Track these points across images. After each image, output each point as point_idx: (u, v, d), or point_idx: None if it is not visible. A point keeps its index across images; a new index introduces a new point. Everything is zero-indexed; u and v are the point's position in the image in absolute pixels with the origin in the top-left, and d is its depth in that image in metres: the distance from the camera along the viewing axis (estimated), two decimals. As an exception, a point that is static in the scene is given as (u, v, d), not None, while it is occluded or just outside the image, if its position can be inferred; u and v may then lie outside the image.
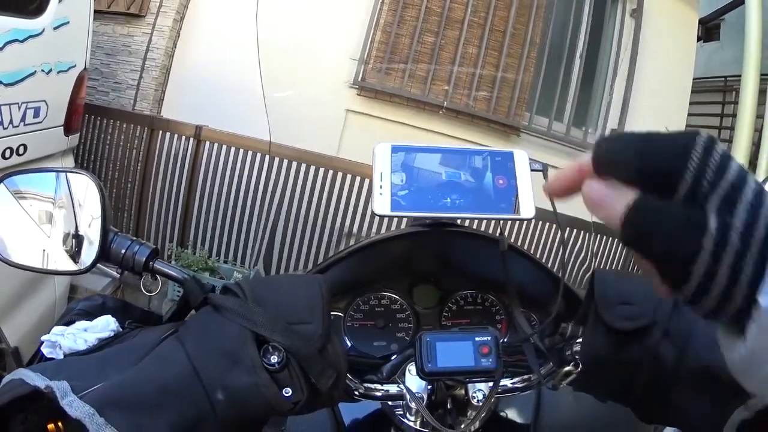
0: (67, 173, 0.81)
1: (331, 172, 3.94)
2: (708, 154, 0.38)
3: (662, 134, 0.42)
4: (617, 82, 5.27)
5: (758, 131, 4.42)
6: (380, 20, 4.77)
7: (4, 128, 2.35)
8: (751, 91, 4.39)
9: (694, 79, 5.55)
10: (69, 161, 2.94)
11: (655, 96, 5.35)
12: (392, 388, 0.91)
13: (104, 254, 0.78)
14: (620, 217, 0.41)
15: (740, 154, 4.36)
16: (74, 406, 0.54)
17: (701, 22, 6.33)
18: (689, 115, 5.59)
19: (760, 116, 4.42)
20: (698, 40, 5.99)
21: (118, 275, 3.41)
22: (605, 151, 0.44)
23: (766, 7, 4.44)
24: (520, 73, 4.89)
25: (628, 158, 0.41)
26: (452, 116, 4.81)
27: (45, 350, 0.72)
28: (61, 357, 0.70)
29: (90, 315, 0.76)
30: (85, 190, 0.79)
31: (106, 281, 3.48)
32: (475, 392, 0.86)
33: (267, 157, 3.94)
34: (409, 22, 4.77)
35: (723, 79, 6.66)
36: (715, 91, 6.80)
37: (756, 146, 4.41)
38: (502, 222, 0.91)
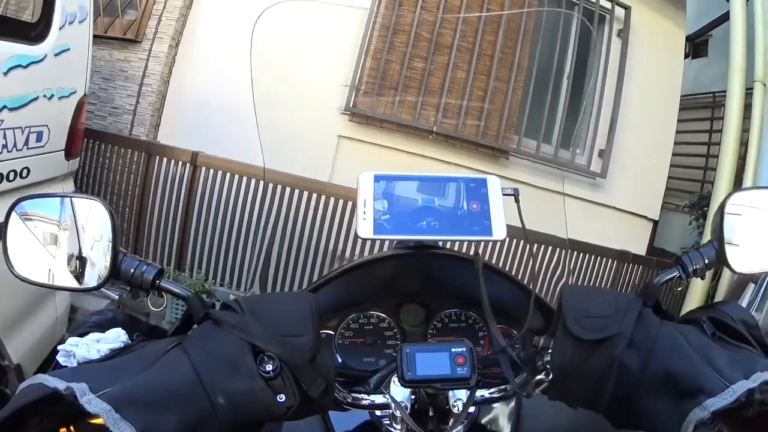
0: (79, 198, 0.87)
1: (323, 197, 4.00)
2: None
3: None
4: (605, 102, 5.32)
5: (744, 145, 4.45)
6: (371, 46, 4.83)
7: (9, 151, 2.38)
8: (736, 105, 4.42)
9: (682, 95, 5.58)
10: (69, 185, 2.97)
11: (643, 115, 5.40)
12: (378, 398, 0.97)
13: (115, 273, 0.84)
14: None
15: (726, 169, 4.35)
16: (93, 404, 0.61)
17: (689, 38, 6.34)
18: (678, 132, 5.60)
19: (745, 130, 4.45)
20: (686, 56, 6.01)
21: (117, 297, 3.46)
22: None
23: (751, 23, 4.46)
24: (509, 97, 4.95)
25: None
26: (442, 141, 4.87)
27: (60, 359, 0.77)
28: (75, 365, 0.76)
29: (102, 327, 0.81)
30: (93, 213, 0.85)
31: (105, 303, 3.52)
32: (455, 401, 0.93)
33: (261, 182, 3.99)
34: (398, 48, 4.83)
35: (711, 94, 6.67)
36: (704, 107, 6.80)
37: (742, 160, 4.43)
38: (477, 243, 0.98)
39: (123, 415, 0.61)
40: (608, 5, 5.41)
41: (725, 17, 5.18)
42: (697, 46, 7.41)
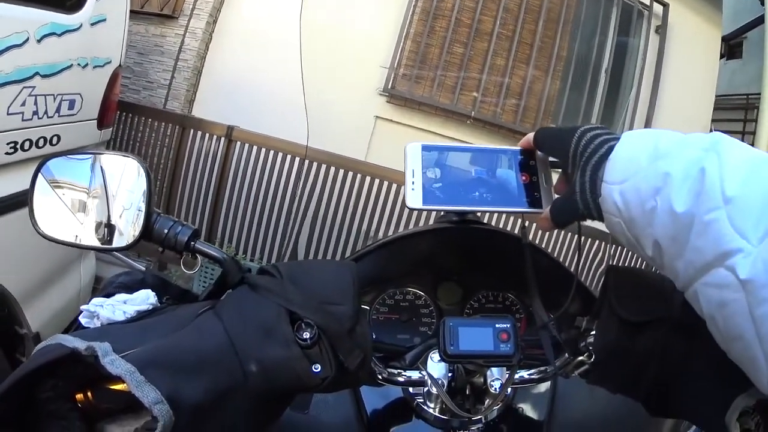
0: (111, 155, 0.84)
1: (359, 175, 3.98)
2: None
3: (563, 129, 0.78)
4: (641, 97, 5.29)
5: (776, 147, 4.35)
6: (411, 30, 4.83)
7: (39, 118, 2.37)
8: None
9: (716, 96, 5.50)
10: (101, 155, 2.94)
11: (677, 112, 5.35)
12: (414, 375, 0.93)
13: (147, 233, 0.81)
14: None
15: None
16: (115, 365, 0.56)
17: (724, 39, 6.26)
18: (711, 131, 5.55)
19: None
20: (721, 57, 5.95)
21: (144, 268, 3.44)
22: (538, 137, 0.85)
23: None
24: (547, 86, 4.93)
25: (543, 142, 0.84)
26: (479, 126, 4.85)
27: (83, 320, 0.74)
28: (99, 326, 0.73)
29: (129, 288, 0.78)
30: (127, 171, 0.82)
31: (130, 273, 3.51)
32: (492, 381, 0.89)
33: (297, 159, 3.95)
34: (438, 33, 4.83)
35: (745, 96, 6.66)
36: (737, 108, 6.79)
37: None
38: (524, 215, 0.94)
39: (148, 376, 0.56)
40: (647, 1, 5.38)
41: (760, 20, 5.17)
42: (732, 47, 7.38)
